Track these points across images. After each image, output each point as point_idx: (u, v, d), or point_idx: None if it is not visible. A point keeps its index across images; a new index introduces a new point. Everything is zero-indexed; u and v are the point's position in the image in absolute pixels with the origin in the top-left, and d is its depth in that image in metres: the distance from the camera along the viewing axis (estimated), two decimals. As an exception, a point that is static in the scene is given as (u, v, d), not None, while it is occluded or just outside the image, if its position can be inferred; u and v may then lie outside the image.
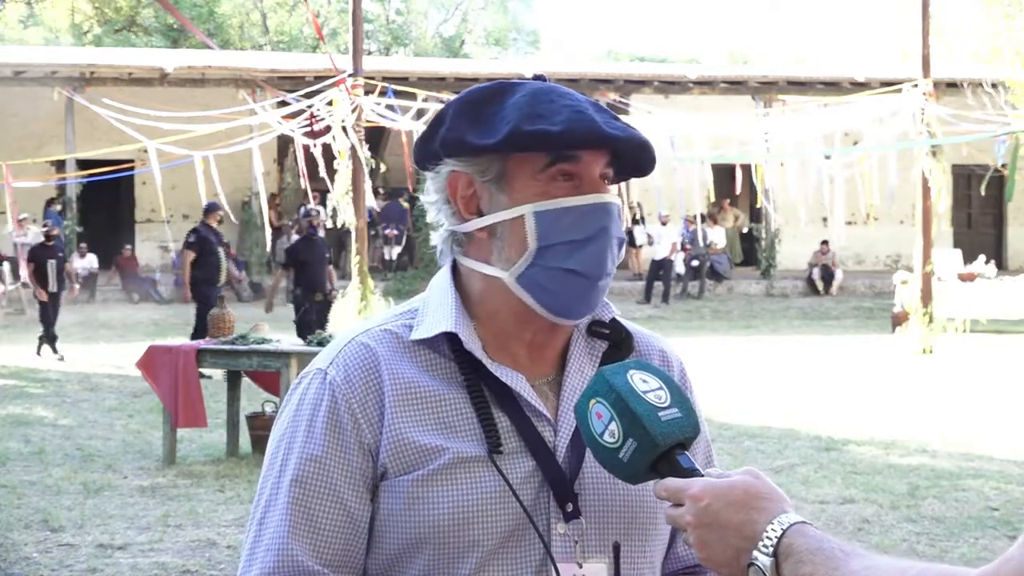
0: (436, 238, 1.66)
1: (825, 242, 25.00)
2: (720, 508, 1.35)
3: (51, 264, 15.69)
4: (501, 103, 1.58)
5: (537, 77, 1.65)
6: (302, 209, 24.99)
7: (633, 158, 1.61)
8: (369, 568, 1.58)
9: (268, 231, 20.64)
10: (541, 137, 1.53)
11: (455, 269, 1.66)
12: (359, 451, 1.55)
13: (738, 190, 21.93)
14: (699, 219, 23.47)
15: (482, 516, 1.52)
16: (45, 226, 16.95)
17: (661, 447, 1.41)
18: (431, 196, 1.64)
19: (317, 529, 1.53)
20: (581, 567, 1.55)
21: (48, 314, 15.64)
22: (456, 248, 1.64)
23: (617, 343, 1.68)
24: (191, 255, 13.95)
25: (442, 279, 1.66)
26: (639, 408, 1.41)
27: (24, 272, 16.98)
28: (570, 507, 1.56)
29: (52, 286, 15.71)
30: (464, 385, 1.58)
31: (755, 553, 1.32)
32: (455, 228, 1.62)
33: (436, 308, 1.63)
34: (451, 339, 1.60)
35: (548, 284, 1.57)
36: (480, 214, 1.60)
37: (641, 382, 1.44)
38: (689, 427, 1.44)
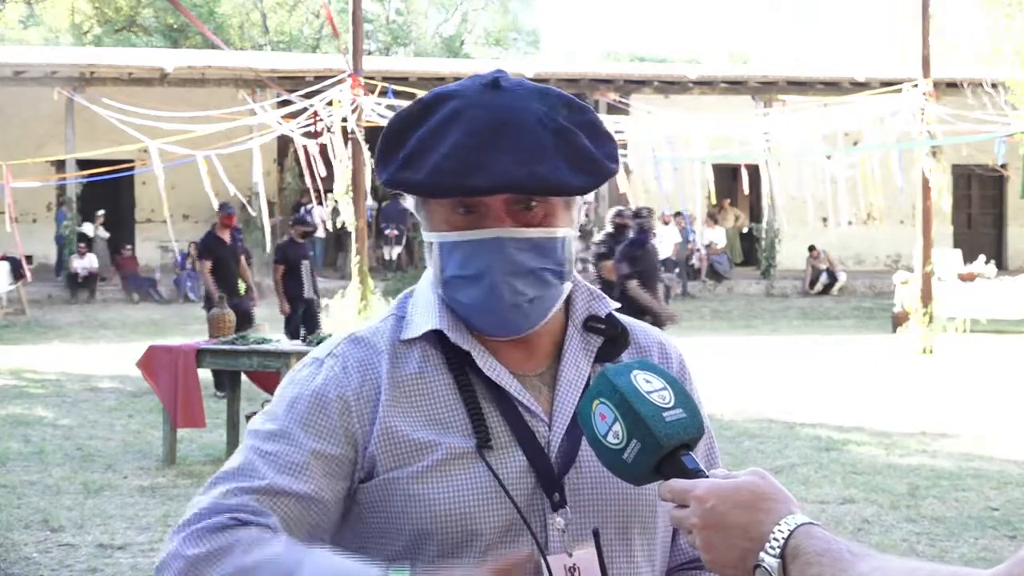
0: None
1: (813, 247, 24.97)
2: (726, 510, 1.34)
3: (305, 266, 13.50)
4: (412, 132, 1.58)
5: (492, 77, 1.61)
6: (302, 210, 25.04)
7: (532, 191, 1.55)
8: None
9: (268, 231, 20.63)
10: (407, 186, 1.56)
11: None
12: (341, 433, 1.57)
13: (746, 190, 21.94)
14: (688, 218, 23.47)
15: (480, 509, 1.54)
16: (300, 223, 14.20)
17: (665, 448, 1.40)
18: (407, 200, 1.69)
19: (278, 464, 1.56)
20: (571, 556, 1.56)
21: (295, 328, 12.48)
22: None
23: (613, 338, 1.69)
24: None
25: (428, 277, 1.69)
26: (643, 409, 1.41)
27: (272, 276, 13.78)
28: (556, 497, 1.57)
29: (308, 291, 13.36)
30: (454, 381, 1.61)
31: (762, 555, 1.31)
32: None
33: (423, 307, 1.66)
34: (440, 336, 1.62)
35: (461, 308, 1.61)
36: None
37: (645, 382, 1.44)
38: (694, 428, 1.43)
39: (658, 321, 9.69)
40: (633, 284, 10.42)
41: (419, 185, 1.54)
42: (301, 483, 1.54)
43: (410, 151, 1.56)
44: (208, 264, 12.81)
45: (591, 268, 11.74)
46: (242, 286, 13.07)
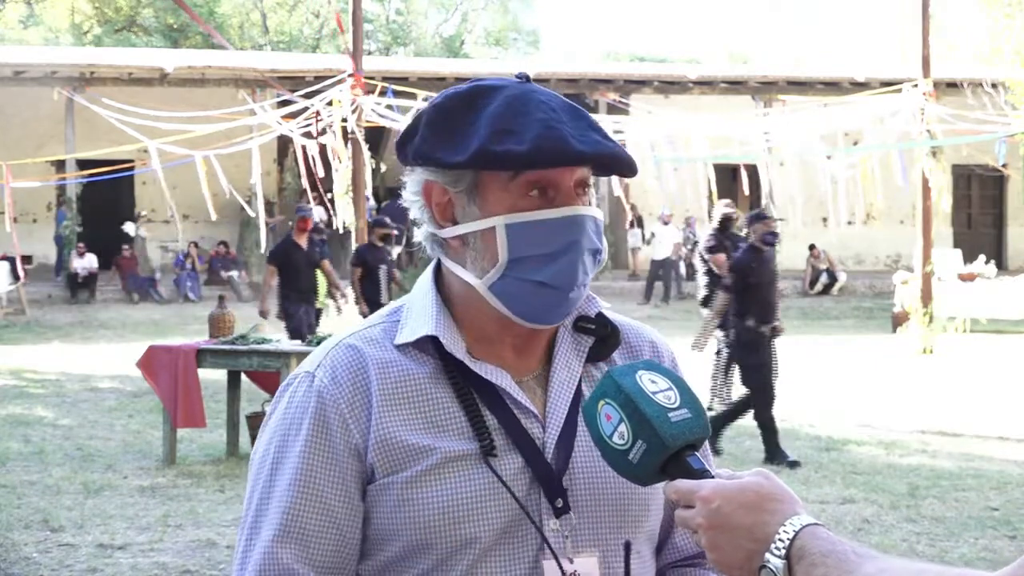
0: (419, 235, 1.67)
1: (813, 246, 24.99)
2: (731, 510, 1.34)
3: (383, 270, 12.89)
4: (474, 114, 1.57)
5: (520, 76, 1.63)
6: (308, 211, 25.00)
7: (610, 166, 1.61)
8: (368, 570, 1.59)
9: (263, 231, 20.66)
10: (508, 158, 1.53)
11: (438, 268, 1.68)
12: (348, 453, 1.56)
13: (746, 191, 21.94)
14: (693, 219, 23.47)
15: (476, 513, 1.54)
16: (380, 225, 13.20)
17: (671, 448, 1.40)
18: (411, 196, 1.65)
19: (306, 535, 1.55)
20: (572, 562, 1.56)
21: None
22: (437, 248, 1.65)
23: (603, 338, 1.69)
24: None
25: (425, 280, 1.68)
26: (649, 409, 1.40)
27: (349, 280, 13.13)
28: (559, 503, 1.57)
29: (384, 297, 12.66)
30: (451, 384, 1.60)
31: (767, 555, 1.31)
32: (433, 231, 1.63)
33: (419, 310, 1.64)
34: (435, 340, 1.61)
35: (519, 294, 1.58)
36: (455, 222, 1.61)
37: (650, 383, 1.43)
38: (699, 428, 1.43)
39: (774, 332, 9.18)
40: (722, 296, 9.62)
41: (524, 155, 1.52)
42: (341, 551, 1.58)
43: (495, 127, 1.54)
44: (273, 270, 12.36)
45: (699, 260, 11.42)
46: (322, 291, 12.66)
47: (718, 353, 10.75)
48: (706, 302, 10.92)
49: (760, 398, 9.00)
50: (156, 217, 25.32)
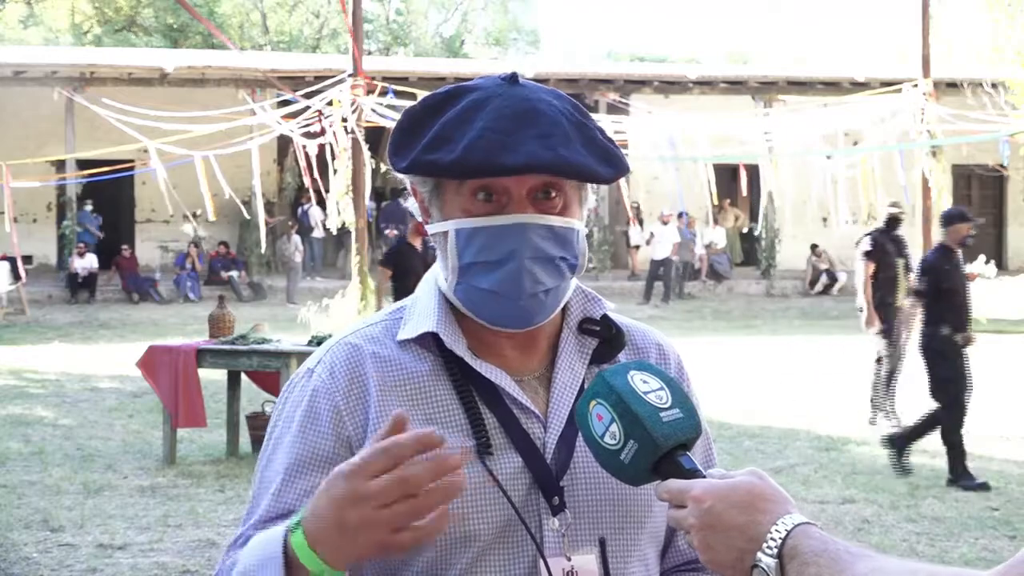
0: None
1: (816, 246, 24.98)
2: (723, 509, 1.34)
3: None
4: (432, 119, 1.58)
5: (506, 78, 1.62)
6: (299, 210, 25.02)
7: (567, 174, 1.56)
8: (370, 568, 1.59)
9: (263, 230, 20.68)
10: (433, 167, 1.55)
11: None
12: (337, 443, 1.57)
13: (744, 191, 21.95)
14: (683, 218, 23.47)
15: (475, 510, 1.54)
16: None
17: (663, 448, 1.40)
18: (411, 199, 1.69)
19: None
20: (570, 560, 1.56)
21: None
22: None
23: (607, 339, 1.69)
24: (871, 267, 10.57)
25: (429, 279, 1.70)
26: (640, 409, 1.40)
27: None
28: (556, 501, 1.57)
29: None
30: (451, 382, 1.60)
31: (759, 555, 1.31)
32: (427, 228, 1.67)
33: (422, 308, 1.65)
34: (436, 337, 1.62)
35: (475, 300, 1.60)
36: (429, 221, 1.65)
37: (642, 383, 1.43)
38: (691, 428, 1.43)
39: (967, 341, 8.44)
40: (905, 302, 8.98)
41: (450, 165, 1.53)
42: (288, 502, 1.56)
43: (436, 135, 1.56)
44: (388, 272, 12.37)
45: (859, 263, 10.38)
46: None
47: (878, 361, 10.27)
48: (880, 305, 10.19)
49: (951, 415, 8.28)
50: (156, 217, 25.33)
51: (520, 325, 1.61)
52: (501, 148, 1.52)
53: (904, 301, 9.76)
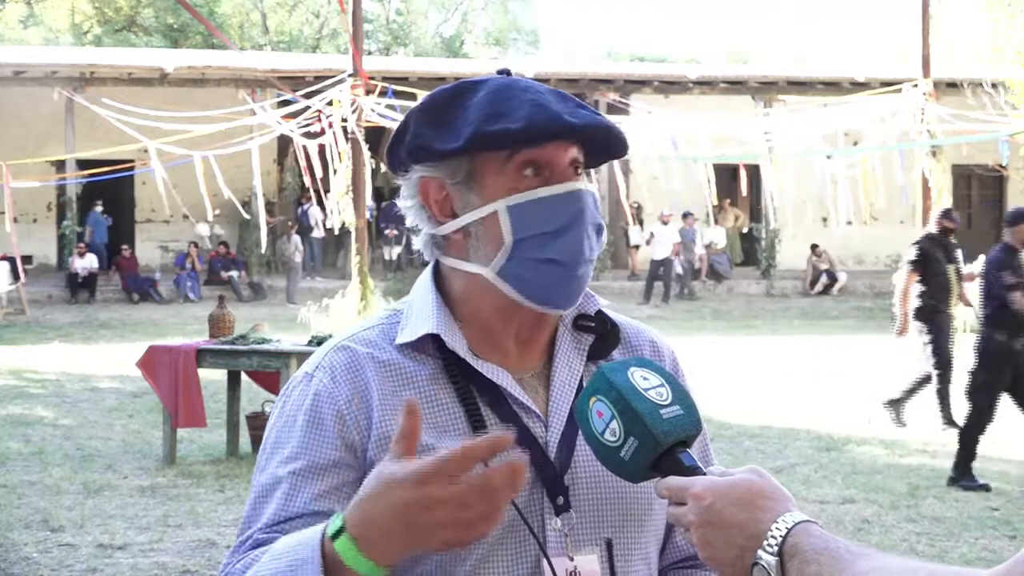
0: (417, 242, 1.69)
1: (816, 246, 24.97)
2: (723, 507, 1.33)
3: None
4: (462, 105, 1.59)
5: (502, 72, 1.66)
6: (299, 210, 25.02)
7: (603, 143, 1.63)
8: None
9: (263, 230, 20.68)
10: (504, 135, 1.55)
11: (437, 270, 1.68)
12: (343, 447, 1.56)
13: (744, 191, 21.96)
14: (685, 218, 23.45)
15: None
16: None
17: (663, 445, 1.40)
18: (407, 201, 1.66)
19: (293, 525, 1.54)
20: (572, 560, 1.56)
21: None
22: (436, 250, 1.66)
23: (603, 335, 1.69)
24: (913, 276, 10.22)
25: (424, 281, 1.69)
26: (640, 406, 1.40)
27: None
28: (560, 500, 1.57)
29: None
30: (451, 384, 1.60)
31: (759, 552, 1.31)
32: (433, 232, 1.64)
33: (419, 310, 1.65)
34: (436, 339, 1.61)
35: (528, 275, 1.59)
36: (454, 216, 1.62)
37: (642, 379, 1.43)
38: (691, 424, 1.43)
39: None
40: (1018, 296, 8.41)
41: (519, 131, 1.54)
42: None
43: (486, 112, 1.57)
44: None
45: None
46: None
47: (936, 370, 9.99)
48: (919, 315, 9.98)
49: (979, 419, 8.17)
50: (156, 217, 25.33)
51: (567, 301, 1.62)
52: (559, 113, 1.56)
53: (955, 308, 9.70)
